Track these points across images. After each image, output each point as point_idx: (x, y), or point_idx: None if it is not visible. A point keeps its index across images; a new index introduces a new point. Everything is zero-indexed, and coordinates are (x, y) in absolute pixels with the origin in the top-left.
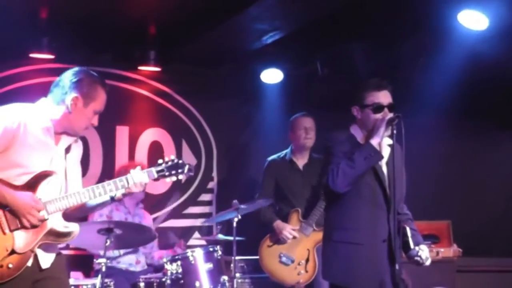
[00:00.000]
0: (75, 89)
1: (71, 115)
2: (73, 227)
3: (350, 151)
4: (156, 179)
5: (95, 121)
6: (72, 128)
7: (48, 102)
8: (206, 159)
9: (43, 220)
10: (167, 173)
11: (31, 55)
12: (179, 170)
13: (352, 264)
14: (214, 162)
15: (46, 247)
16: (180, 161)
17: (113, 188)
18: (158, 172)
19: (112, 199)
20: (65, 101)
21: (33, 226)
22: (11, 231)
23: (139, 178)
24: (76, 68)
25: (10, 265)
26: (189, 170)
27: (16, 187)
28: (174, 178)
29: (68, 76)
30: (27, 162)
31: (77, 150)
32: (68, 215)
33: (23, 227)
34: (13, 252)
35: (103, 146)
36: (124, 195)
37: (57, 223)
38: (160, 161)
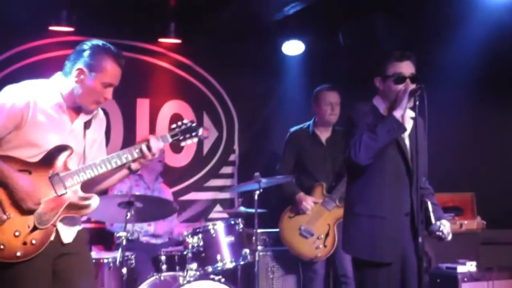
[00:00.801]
0: (80, 60)
1: (77, 88)
2: (93, 199)
3: (373, 122)
4: (171, 144)
5: (108, 94)
6: (81, 102)
7: (61, 77)
8: (227, 132)
9: (34, 210)
10: (181, 137)
11: (51, 28)
12: (193, 133)
13: (374, 237)
14: (236, 135)
15: (67, 221)
16: (194, 124)
17: (128, 156)
18: (172, 136)
19: (130, 170)
20: (72, 74)
21: (49, 201)
22: None
23: (154, 144)
24: (90, 41)
25: (34, 241)
26: (203, 132)
27: (31, 164)
28: (189, 142)
29: (78, 48)
30: (41, 141)
31: (98, 125)
32: (88, 189)
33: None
34: (35, 228)
35: (124, 119)
36: (141, 164)
37: (76, 196)
38: (173, 125)
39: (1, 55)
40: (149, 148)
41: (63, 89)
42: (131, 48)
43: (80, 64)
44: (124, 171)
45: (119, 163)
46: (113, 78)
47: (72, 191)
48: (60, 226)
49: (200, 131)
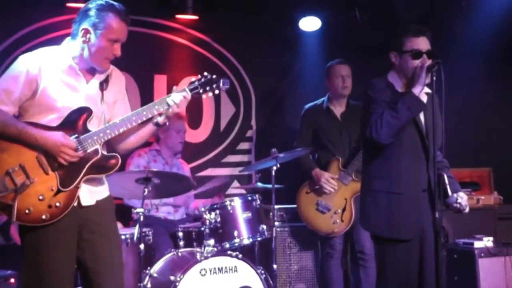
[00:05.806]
0: (84, 20)
1: (86, 49)
2: (115, 158)
3: (391, 99)
4: (192, 97)
5: (116, 51)
6: (92, 62)
7: (70, 41)
8: (244, 108)
9: (78, 156)
10: (201, 90)
11: (68, 4)
12: (214, 85)
13: (393, 214)
14: (253, 111)
15: (89, 184)
16: (214, 76)
17: (147, 113)
18: (191, 90)
19: (158, 125)
20: (78, 35)
21: (71, 163)
22: (53, 170)
23: (175, 97)
24: (94, 0)
25: (58, 204)
26: (224, 83)
27: (52, 129)
28: (210, 94)
29: (82, 9)
30: (57, 105)
31: (116, 84)
32: (118, 145)
33: (61, 165)
34: (59, 191)
35: (141, 95)
36: (168, 117)
37: (98, 156)
38: (193, 79)
39: (20, 31)
40: (173, 102)
41: (73, 52)
42: (149, 24)
43: (85, 24)
44: (151, 127)
45: (138, 121)
46: (118, 33)
47: (94, 151)
48: (82, 189)
49: (221, 83)
